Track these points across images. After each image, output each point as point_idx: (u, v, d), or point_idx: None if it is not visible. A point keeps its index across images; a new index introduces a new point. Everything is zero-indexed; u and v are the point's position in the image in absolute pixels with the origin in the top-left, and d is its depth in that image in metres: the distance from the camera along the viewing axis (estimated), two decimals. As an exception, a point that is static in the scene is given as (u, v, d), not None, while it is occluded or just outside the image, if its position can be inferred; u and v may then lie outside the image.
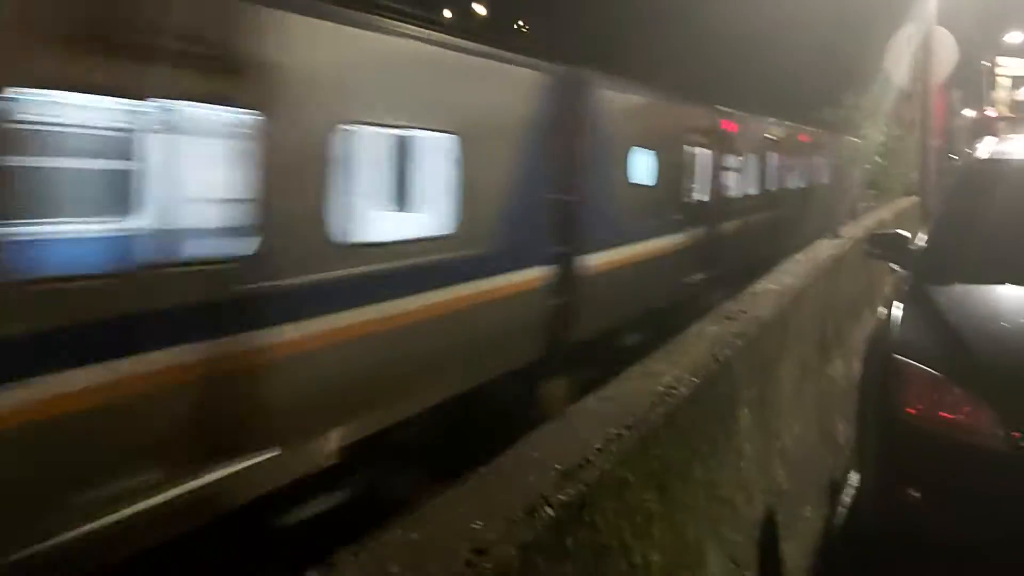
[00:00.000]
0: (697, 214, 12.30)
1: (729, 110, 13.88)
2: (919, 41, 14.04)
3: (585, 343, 8.68)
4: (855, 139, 20.24)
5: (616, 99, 9.78)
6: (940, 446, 3.79)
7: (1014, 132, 21.08)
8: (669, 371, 3.44)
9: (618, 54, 15.28)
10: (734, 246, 13.69)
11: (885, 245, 5.31)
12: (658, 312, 10.55)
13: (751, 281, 5.96)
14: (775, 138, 16.60)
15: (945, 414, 3.81)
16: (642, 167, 10.58)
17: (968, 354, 3.88)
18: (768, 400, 4.63)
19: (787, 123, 17.44)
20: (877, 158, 17.79)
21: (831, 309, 6.74)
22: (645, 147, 10.62)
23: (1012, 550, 3.60)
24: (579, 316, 8.54)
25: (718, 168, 13.43)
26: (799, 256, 6.79)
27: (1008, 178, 5.12)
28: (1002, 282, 4.48)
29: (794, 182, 18.49)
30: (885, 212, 12.03)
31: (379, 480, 6.19)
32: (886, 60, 14.88)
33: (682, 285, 11.61)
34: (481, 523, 2.09)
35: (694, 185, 12.48)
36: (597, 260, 8.97)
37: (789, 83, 23.01)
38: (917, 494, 3.88)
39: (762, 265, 7.25)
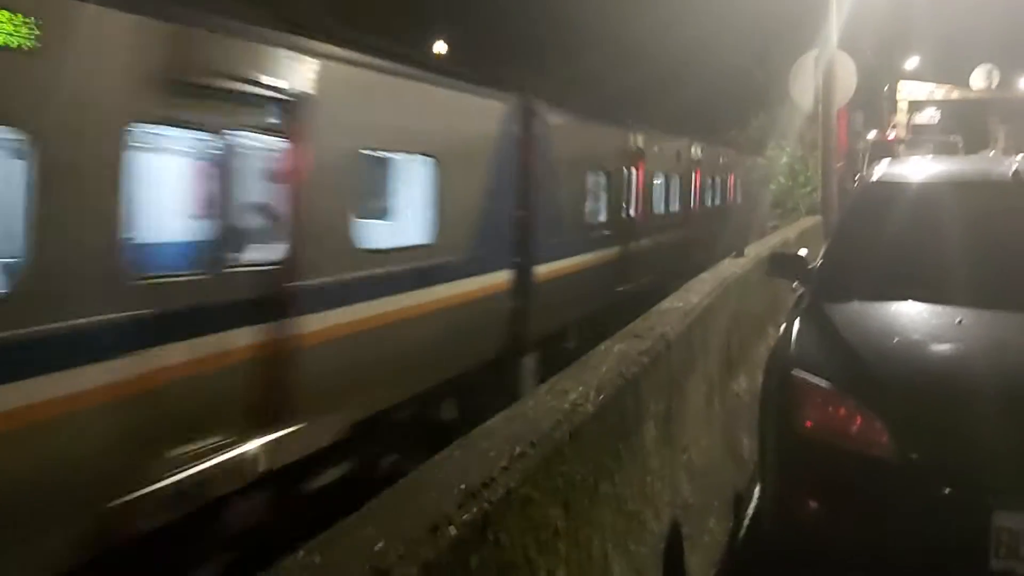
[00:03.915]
0: (628, 229, 13.01)
1: (658, 132, 14.47)
2: (822, 65, 14.50)
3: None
4: (762, 159, 20.83)
5: (560, 124, 10.47)
6: (836, 458, 3.91)
7: (911, 154, 21.99)
8: (575, 388, 3.49)
9: (538, 74, 15.53)
10: (659, 259, 14.42)
11: (786, 265, 5.50)
12: (591, 319, 11.22)
13: (671, 292, 6.12)
14: (696, 159, 17.07)
15: (840, 426, 3.94)
16: (583, 186, 11.41)
17: (861, 368, 4.03)
18: (675, 415, 4.73)
19: (705, 144, 17.91)
20: (781, 178, 18.34)
21: (736, 326, 6.92)
22: (586, 167, 11.48)
23: (904, 558, 3.75)
24: (533, 317, 9.44)
25: (647, 187, 14.01)
26: (705, 275, 6.96)
27: (900, 199, 5.34)
28: (894, 299, 4.66)
29: (712, 200, 19.05)
30: (789, 232, 12.42)
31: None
32: (790, 84, 15.36)
33: (614, 294, 12.33)
34: (382, 544, 2.09)
35: (626, 203, 13.13)
36: (546, 269, 9.86)
37: (699, 104, 23.58)
38: (815, 505, 4.01)
39: (684, 277, 7.60)
